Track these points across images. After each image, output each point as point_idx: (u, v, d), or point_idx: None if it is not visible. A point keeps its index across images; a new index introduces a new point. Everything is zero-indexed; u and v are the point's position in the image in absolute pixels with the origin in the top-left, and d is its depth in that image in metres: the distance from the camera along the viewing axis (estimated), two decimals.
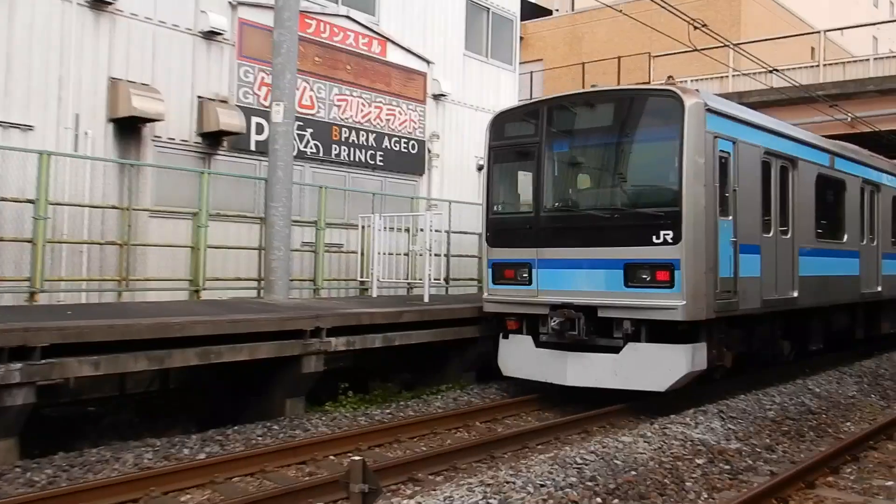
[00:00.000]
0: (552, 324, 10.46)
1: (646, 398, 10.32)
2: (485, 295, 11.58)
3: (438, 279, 13.76)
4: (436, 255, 13.30)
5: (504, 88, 20.78)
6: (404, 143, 17.57)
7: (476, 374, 12.50)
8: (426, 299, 12.83)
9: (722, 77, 26.91)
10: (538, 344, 10.93)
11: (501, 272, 11.26)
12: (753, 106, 25.31)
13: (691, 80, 27.43)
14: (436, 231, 13.33)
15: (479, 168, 19.54)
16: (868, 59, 24.83)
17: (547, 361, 10.74)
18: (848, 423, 10.09)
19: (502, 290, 11.24)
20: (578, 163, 11.28)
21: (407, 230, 14.91)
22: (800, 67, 24.99)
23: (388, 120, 17.21)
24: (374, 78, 16.90)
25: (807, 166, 12.73)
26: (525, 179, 11.45)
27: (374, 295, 13.84)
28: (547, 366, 10.74)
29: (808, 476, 7.36)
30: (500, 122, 11.72)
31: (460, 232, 16.92)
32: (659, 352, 9.91)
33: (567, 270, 10.58)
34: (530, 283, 10.89)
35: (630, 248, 10.01)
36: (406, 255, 14.74)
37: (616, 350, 10.18)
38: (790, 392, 11.51)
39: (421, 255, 13.50)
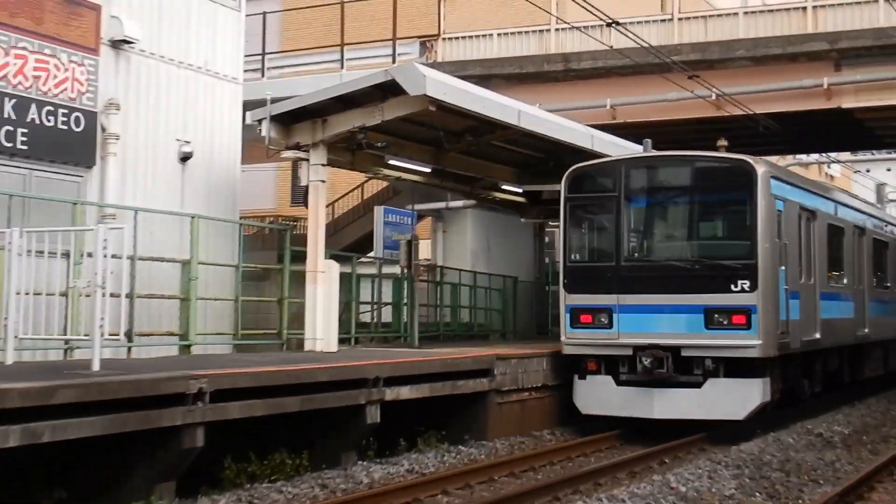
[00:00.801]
0: (645, 362, 16.58)
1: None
2: (563, 339, 17.99)
3: (117, 334, 13.05)
4: (113, 294, 12.57)
5: (224, 34, 20.77)
6: (63, 115, 17.11)
7: (177, 484, 11.88)
8: (96, 367, 12.29)
9: (542, 31, 27.80)
10: (619, 383, 17.05)
11: (578, 317, 17.68)
12: (587, 74, 26.49)
13: (498, 34, 28.19)
14: (113, 256, 12.76)
15: (184, 158, 19.21)
16: (737, 14, 26.55)
17: (632, 398, 16.97)
18: None
19: (581, 334, 17.66)
20: (657, 218, 18.48)
21: (66, 255, 14.35)
22: (648, 21, 26.31)
23: (36, 78, 16.73)
24: (14, 9, 16.42)
25: (822, 216, 20.23)
26: (603, 231, 18.42)
27: (9, 361, 13.00)
28: (632, 402, 16.95)
29: None
30: (578, 177, 18.27)
31: (152, 259, 16.25)
32: (738, 385, 16.53)
33: (648, 315, 16.96)
34: (610, 326, 17.26)
35: (709, 294, 16.68)
36: (64, 295, 14.22)
37: (697, 385, 16.56)
38: (645, 494, 11.88)
39: (88, 295, 12.91)
